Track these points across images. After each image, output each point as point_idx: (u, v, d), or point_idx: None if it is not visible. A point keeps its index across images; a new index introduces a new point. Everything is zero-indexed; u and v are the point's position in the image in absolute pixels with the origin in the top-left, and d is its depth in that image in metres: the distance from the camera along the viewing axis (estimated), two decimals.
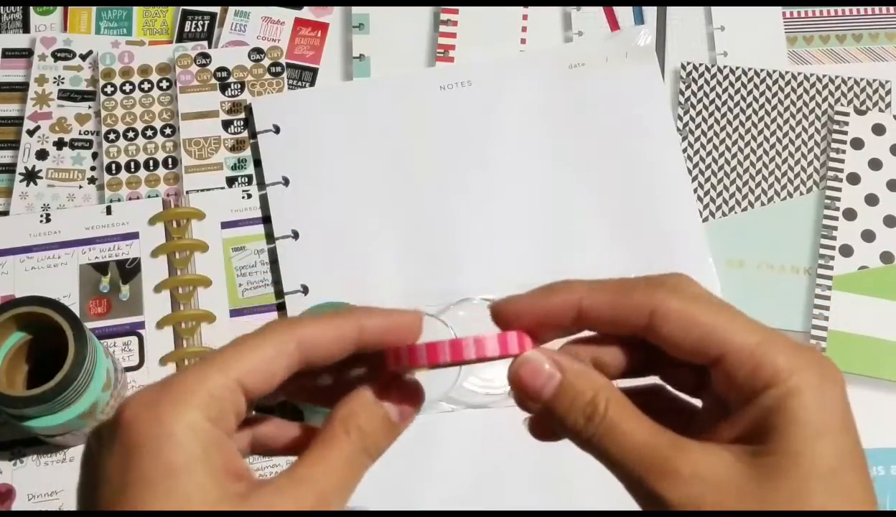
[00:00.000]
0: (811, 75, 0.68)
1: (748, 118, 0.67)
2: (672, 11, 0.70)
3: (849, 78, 0.68)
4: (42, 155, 0.66)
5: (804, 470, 0.30)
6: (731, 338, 0.31)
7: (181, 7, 0.70)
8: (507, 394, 0.59)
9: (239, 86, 0.68)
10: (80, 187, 0.65)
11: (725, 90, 0.68)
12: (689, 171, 0.65)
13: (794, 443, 0.30)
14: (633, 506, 0.60)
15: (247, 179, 0.65)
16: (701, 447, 0.31)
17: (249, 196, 0.65)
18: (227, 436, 0.32)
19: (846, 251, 0.63)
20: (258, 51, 0.69)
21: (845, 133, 0.66)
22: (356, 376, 0.36)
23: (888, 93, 0.67)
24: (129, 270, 0.62)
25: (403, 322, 0.34)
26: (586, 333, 0.35)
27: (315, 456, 0.32)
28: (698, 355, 0.32)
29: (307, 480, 0.32)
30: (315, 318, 0.34)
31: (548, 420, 0.33)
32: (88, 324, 0.59)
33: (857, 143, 0.66)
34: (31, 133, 0.66)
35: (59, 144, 0.66)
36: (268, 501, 0.30)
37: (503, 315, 0.34)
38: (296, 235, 0.63)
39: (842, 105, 0.67)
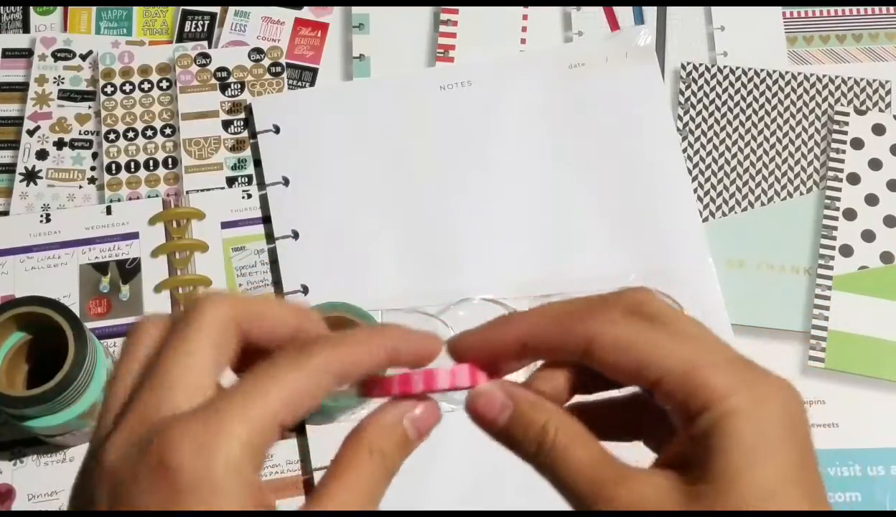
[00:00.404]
0: (811, 75, 0.68)
1: (748, 118, 0.67)
2: (672, 11, 0.70)
3: (849, 78, 0.68)
4: (42, 155, 0.66)
5: (742, 494, 0.29)
6: (667, 361, 0.31)
7: (181, 7, 0.70)
8: None
9: (239, 86, 0.68)
10: (80, 187, 0.65)
11: (725, 90, 0.68)
12: (689, 171, 0.65)
13: (731, 467, 0.29)
14: None
15: (247, 179, 0.65)
16: (641, 475, 0.31)
17: (249, 196, 0.65)
18: (259, 474, 0.31)
19: (846, 251, 0.63)
20: (258, 51, 0.69)
21: (845, 133, 0.66)
22: None
23: (888, 93, 0.67)
24: (129, 270, 0.62)
25: (428, 346, 0.35)
26: None
27: (340, 483, 0.33)
28: (638, 380, 0.32)
29: (335, 507, 0.32)
30: (351, 342, 0.33)
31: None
32: (88, 325, 0.59)
33: (857, 143, 0.66)
34: (31, 133, 0.66)
35: (59, 144, 0.66)
36: None
37: (456, 350, 0.35)
38: (296, 235, 0.63)
39: (842, 105, 0.67)
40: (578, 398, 0.35)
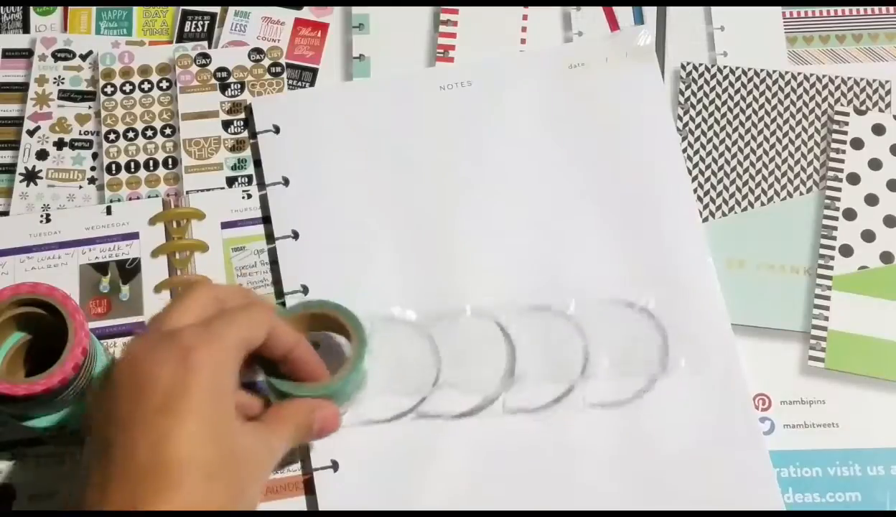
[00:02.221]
0: (811, 75, 0.68)
1: (748, 118, 0.67)
2: (672, 11, 0.70)
3: (849, 78, 0.68)
4: (42, 155, 0.66)
5: None
6: None
7: (181, 7, 0.70)
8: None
9: (239, 86, 0.68)
10: (81, 187, 0.65)
11: (725, 90, 0.68)
12: (689, 171, 0.65)
13: None
14: (635, 506, 0.60)
15: (247, 179, 0.65)
16: None
17: (249, 196, 0.65)
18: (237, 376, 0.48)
19: (846, 251, 0.63)
20: (258, 51, 0.69)
21: (845, 133, 0.66)
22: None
23: (888, 93, 0.67)
24: (129, 270, 0.62)
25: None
26: None
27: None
28: None
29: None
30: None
31: None
32: (89, 324, 0.59)
33: (857, 143, 0.66)
34: (31, 133, 0.66)
35: (60, 144, 0.66)
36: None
37: None
38: (296, 235, 0.63)
39: (842, 105, 0.67)
40: None
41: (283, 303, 0.61)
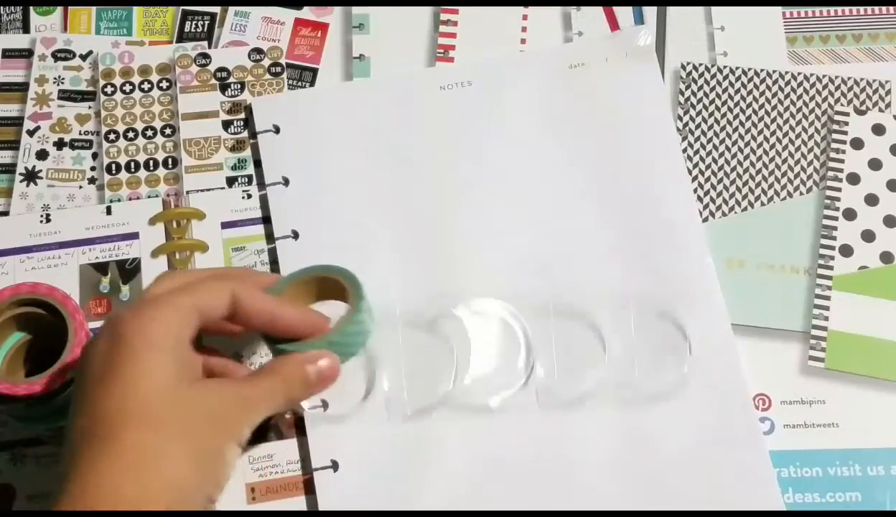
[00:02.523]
0: (811, 75, 0.68)
1: (748, 118, 0.67)
2: (672, 11, 0.70)
3: (849, 78, 0.68)
4: (42, 155, 0.66)
5: None
6: None
7: (181, 7, 0.70)
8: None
9: (239, 86, 0.68)
10: (81, 187, 0.65)
11: (725, 90, 0.68)
12: (689, 171, 0.65)
13: None
14: (635, 506, 0.60)
15: (247, 179, 0.65)
16: None
17: (249, 196, 0.65)
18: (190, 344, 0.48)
19: (846, 251, 0.63)
20: (258, 51, 0.69)
21: (845, 133, 0.66)
22: None
23: (888, 93, 0.67)
24: (129, 270, 0.62)
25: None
26: None
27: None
28: None
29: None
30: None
31: None
32: (88, 324, 0.59)
33: (857, 143, 0.66)
34: (31, 133, 0.66)
35: (60, 144, 0.66)
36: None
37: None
38: (296, 235, 0.63)
39: (842, 105, 0.67)
40: None
41: None
